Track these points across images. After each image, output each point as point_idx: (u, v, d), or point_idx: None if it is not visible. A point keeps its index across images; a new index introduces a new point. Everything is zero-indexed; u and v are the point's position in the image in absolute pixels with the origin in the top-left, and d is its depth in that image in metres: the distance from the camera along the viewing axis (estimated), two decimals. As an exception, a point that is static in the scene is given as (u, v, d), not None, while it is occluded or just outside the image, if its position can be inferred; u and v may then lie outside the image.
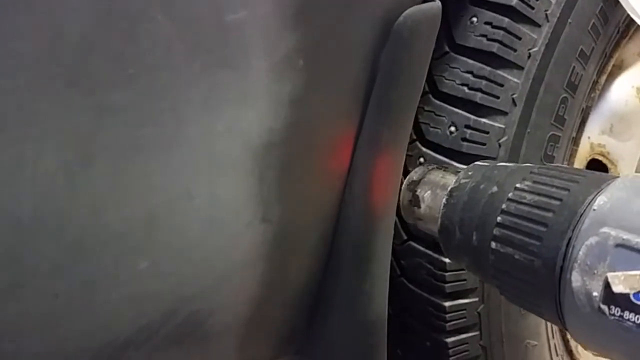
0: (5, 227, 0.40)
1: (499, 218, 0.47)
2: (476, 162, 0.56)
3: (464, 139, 0.67)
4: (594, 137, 0.93)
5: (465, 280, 0.70)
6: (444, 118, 0.68)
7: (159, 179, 0.46)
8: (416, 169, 0.64)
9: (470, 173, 0.54)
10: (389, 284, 0.64)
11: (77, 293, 0.44)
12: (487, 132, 0.67)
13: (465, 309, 0.72)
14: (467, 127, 0.66)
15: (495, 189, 0.49)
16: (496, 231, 0.47)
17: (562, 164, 0.79)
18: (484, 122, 0.67)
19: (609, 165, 0.94)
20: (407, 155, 0.65)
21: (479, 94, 0.66)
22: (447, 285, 0.70)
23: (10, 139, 0.39)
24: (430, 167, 0.63)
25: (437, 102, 0.69)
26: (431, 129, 0.68)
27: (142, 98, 0.43)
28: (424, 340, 0.75)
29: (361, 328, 0.61)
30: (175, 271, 0.49)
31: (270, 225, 0.53)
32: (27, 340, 0.43)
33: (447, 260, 0.69)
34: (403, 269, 0.74)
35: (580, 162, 0.91)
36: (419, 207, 0.60)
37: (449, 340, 0.73)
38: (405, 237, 0.73)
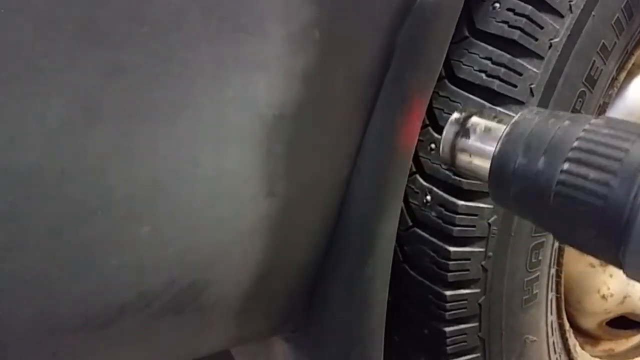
0: (5, 182, 0.39)
1: (575, 142, 0.46)
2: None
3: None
4: (608, 135, 0.91)
5: (468, 270, 0.69)
6: (459, 104, 0.66)
7: (165, 144, 0.45)
8: (458, 111, 0.60)
9: (533, 111, 0.52)
10: (391, 270, 0.63)
11: (75, 255, 0.44)
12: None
13: (466, 299, 0.71)
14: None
15: (567, 122, 0.48)
16: (571, 154, 0.45)
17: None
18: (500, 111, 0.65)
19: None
20: (418, 140, 0.64)
21: (497, 82, 0.65)
22: (449, 274, 0.69)
23: (15, 92, 0.38)
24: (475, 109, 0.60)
25: (453, 87, 0.67)
26: (445, 115, 0.67)
27: (153, 59, 0.42)
28: (422, 328, 0.74)
29: (360, 311, 0.60)
30: (176, 239, 0.48)
31: (275, 200, 0.52)
32: (21, 300, 0.43)
33: (451, 248, 0.68)
34: (406, 255, 0.73)
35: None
36: (468, 137, 0.56)
37: (448, 329, 0.72)
38: (410, 224, 0.72)
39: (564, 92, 0.69)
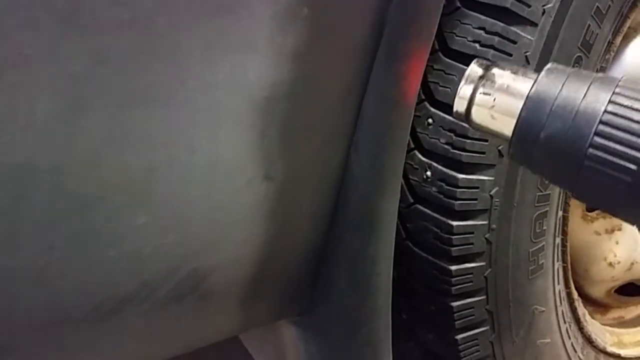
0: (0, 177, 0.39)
1: (606, 107, 0.45)
2: None
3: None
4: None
5: (472, 244, 0.69)
6: (454, 77, 0.65)
7: (158, 131, 0.44)
8: (476, 62, 0.55)
9: (558, 69, 0.50)
10: (394, 248, 0.62)
11: (74, 246, 0.43)
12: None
13: (471, 273, 0.70)
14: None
15: (596, 84, 0.47)
16: (603, 119, 0.45)
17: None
18: (496, 81, 0.64)
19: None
20: (415, 115, 0.63)
21: (491, 51, 0.64)
22: (453, 248, 0.69)
23: (2, 84, 0.38)
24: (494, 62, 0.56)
25: (448, 60, 0.66)
26: (440, 89, 0.66)
27: (139, 44, 0.41)
28: (429, 304, 0.74)
29: (365, 291, 0.60)
30: (174, 227, 0.48)
31: (273, 183, 0.52)
32: (22, 293, 0.43)
33: (454, 223, 0.68)
34: (409, 233, 0.73)
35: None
36: (488, 92, 0.52)
37: (455, 304, 0.72)
38: (411, 200, 0.71)
39: (559, 58, 0.68)
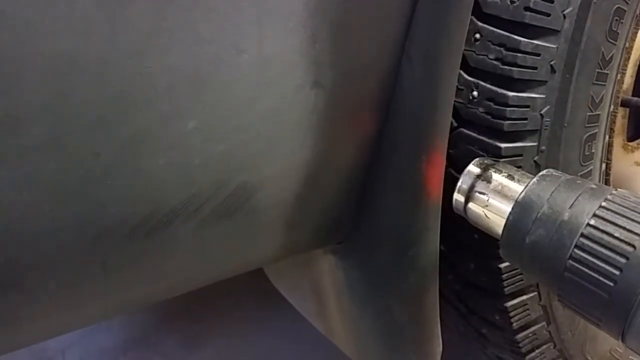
0: (39, 71, 0.36)
1: (588, 223, 0.46)
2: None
3: (527, 8, 0.60)
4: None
5: (520, 167, 0.66)
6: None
7: (204, 27, 0.41)
8: (476, 163, 0.61)
9: (550, 176, 0.53)
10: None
11: (121, 152, 0.40)
12: (552, 2, 0.61)
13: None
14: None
15: (583, 196, 0.48)
16: (584, 234, 0.46)
17: (625, 44, 0.72)
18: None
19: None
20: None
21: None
22: (502, 173, 0.65)
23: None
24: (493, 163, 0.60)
25: (496, -31, 0.62)
26: (489, 0, 0.62)
27: None
28: (472, 232, 0.71)
29: (415, 210, 0.57)
30: (223, 135, 0.45)
31: (322, 91, 0.49)
32: (66, 202, 0.40)
33: (502, 145, 0.64)
34: (452, 159, 0.70)
35: (638, 50, 0.84)
36: (483, 192, 0.57)
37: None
38: (455, 124, 0.68)
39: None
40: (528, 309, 0.76)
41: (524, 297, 0.75)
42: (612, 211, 0.46)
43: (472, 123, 0.66)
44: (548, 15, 0.61)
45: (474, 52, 0.64)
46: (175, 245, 0.47)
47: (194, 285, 0.57)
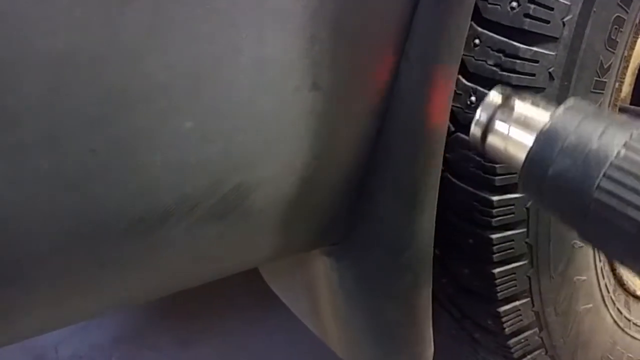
0: (36, 68, 0.36)
1: (616, 156, 0.43)
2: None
3: (527, 15, 0.61)
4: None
5: (516, 173, 0.66)
6: (505, -7, 0.61)
7: (202, 26, 0.41)
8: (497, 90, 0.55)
9: (577, 107, 0.48)
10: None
11: (117, 150, 0.41)
12: (552, 9, 0.61)
13: (513, 204, 0.68)
14: (532, 2, 0.60)
15: (611, 128, 0.44)
16: (610, 169, 0.42)
17: (624, 52, 0.73)
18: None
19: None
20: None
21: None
22: (497, 177, 0.66)
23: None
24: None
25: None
26: (490, 6, 0.62)
27: None
28: (467, 237, 0.72)
29: (410, 212, 0.57)
30: (220, 135, 0.45)
31: (320, 93, 0.49)
32: (60, 199, 0.40)
33: (498, 150, 0.65)
34: (448, 163, 0.70)
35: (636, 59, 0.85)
36: (505, 121, 0.52)
37: (494, 236, 0.69)
38: (452, 129, 0.68)
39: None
40: (521, 315, 0.77)
41: (517, 302, 0.75)
42: None
43: (469, 128, 0.66)
44: (547, 22, 0.61)
45: (473, 57, 0.64)
46: (171, 243, 0.48)
47: (188, 284, 0.58)
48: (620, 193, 0.41)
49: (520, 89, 0.62)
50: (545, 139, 0.47)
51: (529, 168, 0.48)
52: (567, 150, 0.45)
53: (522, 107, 0.51)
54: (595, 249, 0.46)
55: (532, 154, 0.47)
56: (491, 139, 0.53)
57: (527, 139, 0.49)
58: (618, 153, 0.42)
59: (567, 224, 0.49)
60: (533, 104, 0.51)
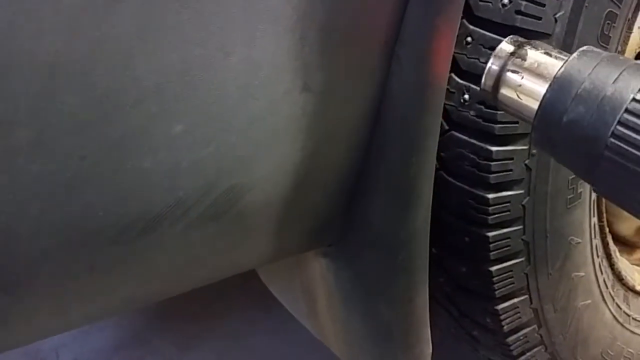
0: (25, 73, 0.35)
1: (631, 102, 0.42)
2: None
3: (518, 12, 0.60)
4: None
5: (511, 170, 0.66)
6: (495, -11, 0.61)
7: (192, 29, 0.41)
8: (509, 41, 0.53)
9: (589, 53, 0.47)
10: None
11: (107, 155, 0.40)
12: (544, 5, 0.61)
13: (509, 202, 0.68)
14: (523, -2, 0.60)
15: (625, 73, 0.43)
16: (625, 115, 0.41)
17: (617, 48, 0.72)
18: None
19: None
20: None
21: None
22: (492, 175, 0.66)
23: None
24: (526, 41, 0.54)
25: (488, -29, 0.62)
26: (481, 3, 0.62)
27: None
28: (463, 236, 0.72)
29: (404, 213, 0.57)
30: (211, 138, 0.45)
31: (311, 95, 0.49)
32: (50, 205, 0.40)
33: (493, 148, 0.65)
34: (443, 162, 0.70)
35: (630, 54, 0.84)
36: (517, 72, 0.50)
37: (491, 234, 0.69)
38: (446, 127, 0.68)
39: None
40: (519, 312, 0.76)
41: (515, 300, 0.75)
42: None
43: (463, 126, 0.67)
44: (539, 18, 0.61)
45: (465, 55, 0.64)
46: (164, 247, 0.47)
47: (184, 288, 0.57)
48: (635, 139, 0.41)
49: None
50: (559, 85, 0.45)
51: (542, 117, 0.47)
52: (581, 97, 0.44)
53: (535, 55, 0.50)
54: (608, 199, 0.45)
55: (545, 102, 0.46)
56: (503, 90, 0.52)
57: (541, 87, 0.47)
58: (633, 98, 0.41)
59: (581, 175, 0.48)
60: (546, 52, 0.50)
